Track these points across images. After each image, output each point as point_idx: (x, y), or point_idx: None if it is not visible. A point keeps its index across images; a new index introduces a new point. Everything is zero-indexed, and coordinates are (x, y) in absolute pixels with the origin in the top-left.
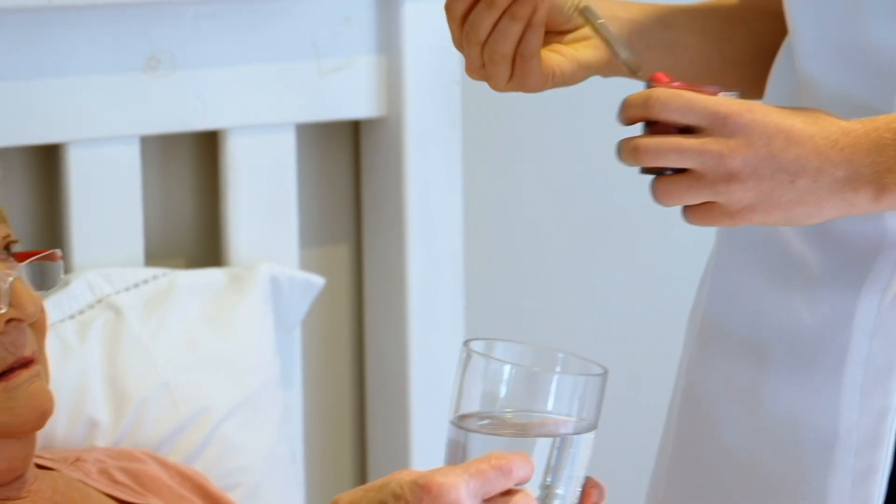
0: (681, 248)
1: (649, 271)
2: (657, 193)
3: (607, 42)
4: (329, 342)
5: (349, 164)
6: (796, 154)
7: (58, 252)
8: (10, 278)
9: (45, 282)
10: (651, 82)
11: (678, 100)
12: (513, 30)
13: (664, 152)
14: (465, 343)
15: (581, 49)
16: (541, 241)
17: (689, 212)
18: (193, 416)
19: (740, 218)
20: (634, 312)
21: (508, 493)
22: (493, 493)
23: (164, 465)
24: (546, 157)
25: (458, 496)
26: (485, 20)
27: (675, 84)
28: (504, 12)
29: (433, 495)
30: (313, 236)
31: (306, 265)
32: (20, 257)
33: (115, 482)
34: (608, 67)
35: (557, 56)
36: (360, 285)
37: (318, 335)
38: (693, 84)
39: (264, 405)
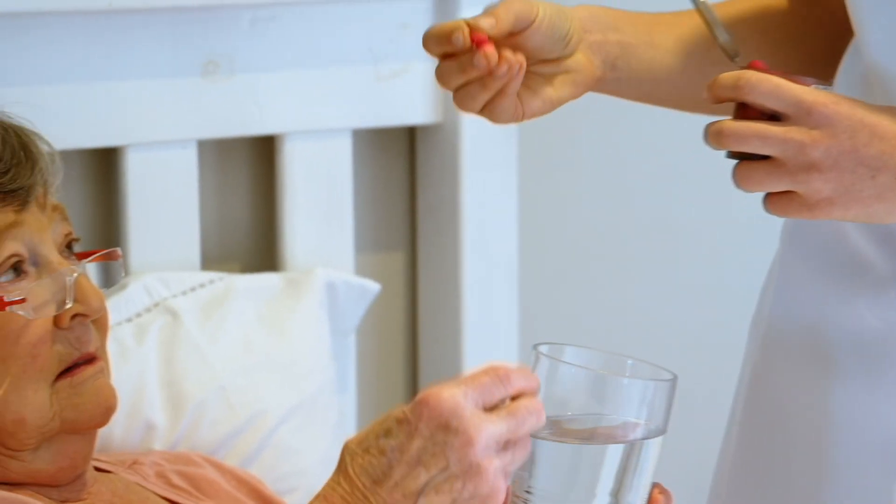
0: (741, 253)
1: (708, 278)
2: (737, 178)
3: (707, 23)
4: (383, 348)
5: (405, 170)
6: (880, 149)
7: (118, 251)
8: (75, 274)
9: (106, 280)
10: (747, 68)
11: (767, 84)
12: (487, 94)
13: (747, 137)
14: (535, 347)
15: (559, 86)
16: (596, 248)
17: (769, 201)
18: (250, 420)
19: (819, 210)
20: (692, 320)
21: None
22: (493, 402)
23: (220, 468)
24: (602, 164)
25: (457, 404)
26: (458, 80)
27: (771, 72)
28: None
29: (432, 407)
30: (368, 242)
31: (361, 271)
32: (82, 256)
33: (173, 486)
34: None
35: (530, 95)
36: (414, 292)
37: (372, 341)
38: (789, 73)
39: (320, 410)
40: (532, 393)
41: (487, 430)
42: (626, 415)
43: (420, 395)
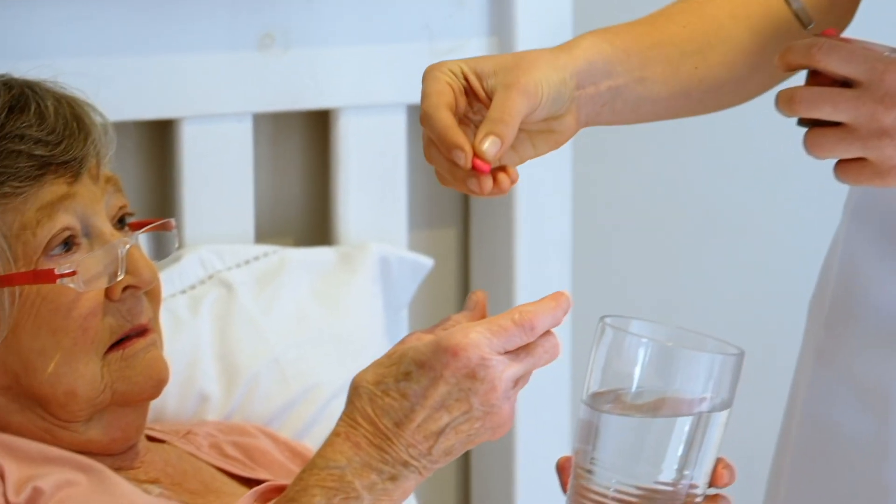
0: (800, 228)
1: (766, 254)
2: (808, 145)
3: None
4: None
5: None
6: None
7: (172, 221)
8: (127, 246)
9: (159, 251)
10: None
11: (840, 49)
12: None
13: (818, 103)
14: (602, 319)
15: (539, 143)
16: (650, 226)
17: (840, 168)
18: (304, 393)
19: (890, 177)
20: (749, 297)
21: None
22: (515, 348)
23: (274, 439)
24: (656, 141)
25: (483, 356)
26: (442, 170)
27: (844, 39)
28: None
29: (459, 358)
30: (421, 218)
31: (414, 247)
32: (135, 226)
33: (226, 456)
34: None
35: (509, 151)
36: (467, 268)
37: (424, 317)
38: (861, 41)
39: None
40: (552, 330)
41: (509, 374)
42: (693, 389)
43: (443, 343)
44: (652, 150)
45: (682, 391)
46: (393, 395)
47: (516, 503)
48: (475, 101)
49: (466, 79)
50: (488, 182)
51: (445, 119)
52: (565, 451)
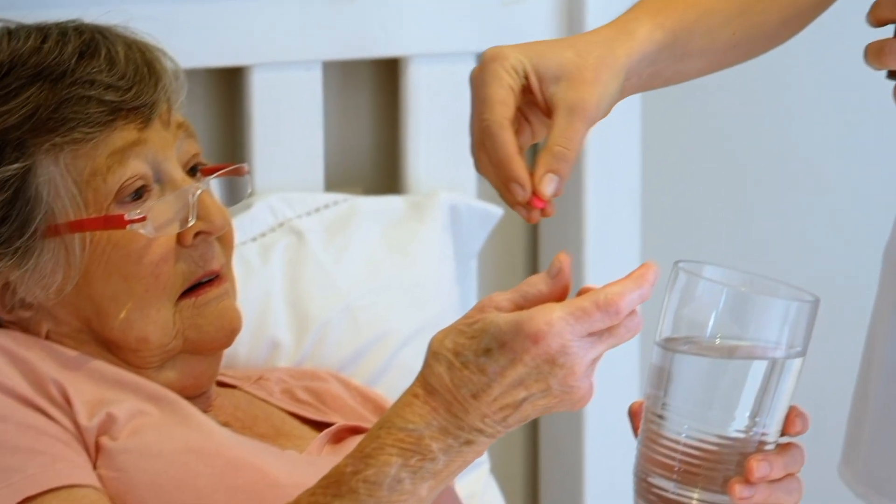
0: (873, 178)
1: (837, 206)
2: None
3: None
4: (504, 274)
5: None
6: None
7: (244, 167)
8: (198, 191)
9: (232, 197)
10: None
11: None
12: None
13: None
14: (676, 264)
15: (537, 131)
16: (720, 177)
17: None
18: (374, 340)
19: None
20: (819, 247)
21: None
22: (597, 331)
23: (346, 385)
24: (726, 92)
25: (565, 343)
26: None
27: None
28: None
29: (539, 345)
30: None
31: (483, 197)
32: (207, 172)
33: (298, 401)
34: None
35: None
36: None
37: (493, 267)
38: None
39: None
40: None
41: (589, 357)
42: (767, 336)
43: (525, 327)
44: (721, 100)
45: (756, 338)
46: (471, 369)
47: (585, 449)
48: (531, 98)
49: (527, 78)
50: (537, 214)
51: (509, 147)
52: (634, 396)
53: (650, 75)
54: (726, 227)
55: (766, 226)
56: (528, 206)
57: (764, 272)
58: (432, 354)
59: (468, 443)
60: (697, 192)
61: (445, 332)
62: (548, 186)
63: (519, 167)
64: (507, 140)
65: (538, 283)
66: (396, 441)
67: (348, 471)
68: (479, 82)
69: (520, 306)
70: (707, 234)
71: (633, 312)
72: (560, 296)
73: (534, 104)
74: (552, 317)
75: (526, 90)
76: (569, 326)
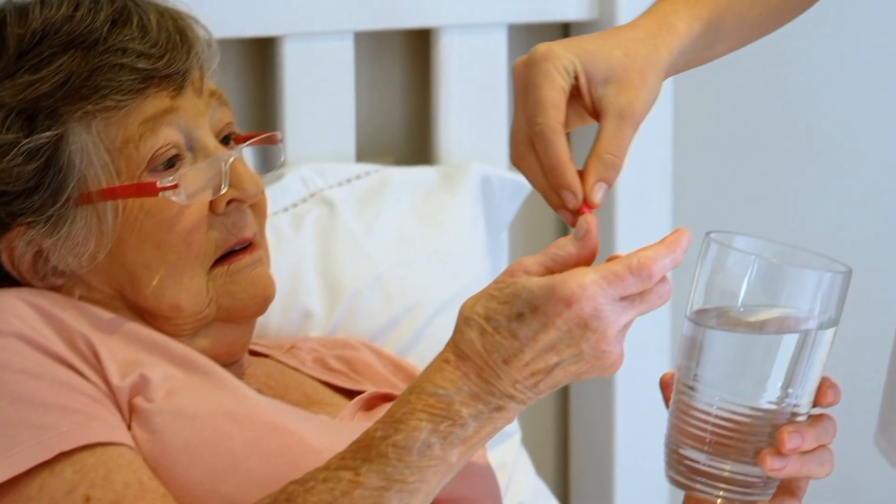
0: None
1: (868, 177)
2: None
3: None
4: (535, 246)
5: None
6: None
7: (277, 134)
8: (231, 158)
9: (265, 165)
10: None
11: None
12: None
13: None
14: (707, 234)
15: (570, 121)
16: (751, 148)
17: None
18: (406, 310)
19: None
20: (850, 219)
21: None
22: (630, 295)
23: (378, 353)
24: (757, 62)
25: (598, 307)
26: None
27: None
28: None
29: (572, 308)
30: None
31: (514, 168)
32: (240, 140)
33: (330, 369)
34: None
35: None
36: None
37: (524, 240)
38: None
39: None
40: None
41: (621, 322)
42: (799, 306)
43: (557, 291)
44: (753, 65)
45: (788, 308)
46: (503, 334)
47: (616, 420)
48: (578, 100)
49: (576, 78)
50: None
51: (563, 153)
52: (665, 367)
53: (683, 64)
54: (757, 197)
55: (797, 196)
56: (575, 212)
57: (795, 243)
58: (463, 320)
59: (498, 409)
60: (728, 163)
61: (476, 298)
62: (599, 195)
63: (572, 174)
64: (561, 146)
65: (566, 245)
66: (426, 406)
67: (378, 435)
68: (531, 82)
69: (550, 270)
70: (738, 204)
71: (664, 279)
72: (589, 257)
73: (579, 105)
74: (585, 280)
75: (573, 90)
76: (601, 290)
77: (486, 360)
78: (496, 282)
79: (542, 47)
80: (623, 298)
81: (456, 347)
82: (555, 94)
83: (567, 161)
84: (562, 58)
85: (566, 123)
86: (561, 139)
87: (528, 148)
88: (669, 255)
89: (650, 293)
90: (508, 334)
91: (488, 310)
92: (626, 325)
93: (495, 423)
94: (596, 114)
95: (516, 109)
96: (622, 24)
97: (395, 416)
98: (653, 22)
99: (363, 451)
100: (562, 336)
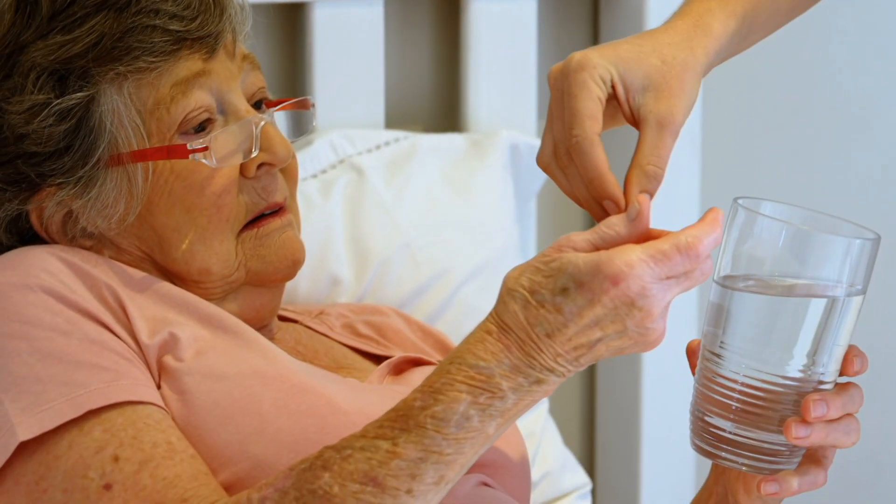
0: None
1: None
2: None
3: None
4: (562, 215)
5: (588, 34)
6: None
7: (309, 99)
8: (262, 122)
9: (296, 130)
10: None
11: None
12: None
13: None
14: (735, 200)
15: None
16: (778, 117)
17: None
18: (435, 278)
19: None
20: (874, 190)
21: None
22: (676, 275)
23: (407, 320)
24: (786, 31)
25: (644, 286)
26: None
27: None
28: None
29: (619, 286)
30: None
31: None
32: (271, 105)
33: (359, 335)
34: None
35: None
36: None
37: (551, 208)
38: None
39: (504, 270)
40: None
41: (666, 299)
42: (827, 272)
43: (605, 268)
44: (782, 34)
45: (815, 275)
46: (548, 308)
47: (642, 391)
48: (613, 104)
49: (613, 87)
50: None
51: (601, 164)
52: (692, 336)
53: (719, 61)
54: (785, 167)
55: (824, 165)
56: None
57: (823, 210)
58: (507, 291)
59: (538, 382)
60: (756, 133)
61: (521, 270)
62: (630, 213)
63: (613, 185)
64: (599, 157)
65: (616, 225)
66: (466, 378)
67: (416, 405)
68: (567, 92)
69: (597, 248)
70: (766, 174)
71: (707, 256)
72: (639, 239)
73: (613, 108)
74: (632, 258)
75: (610, 98)
76: (649, 269)
77: (528, 333)
78: (542, 255)
79: (578, 56)
80: (669, 277)
81: (498, 319)
82: (591, 105)
83: (606, 172)
84: (598, 67)
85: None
86: (598, 150)
87: (565, 158)
88: (713, 234)
89: (695, 271)
90: (553, 308)
91: (533, 283)
92: (669, 302)
93: (534, 395)
94: (635, 122)
95: (551, 116)
96: (656, 28)
97: (434, 387)
98: (688, 24)
99: (401, 421)
100: (607, 312)
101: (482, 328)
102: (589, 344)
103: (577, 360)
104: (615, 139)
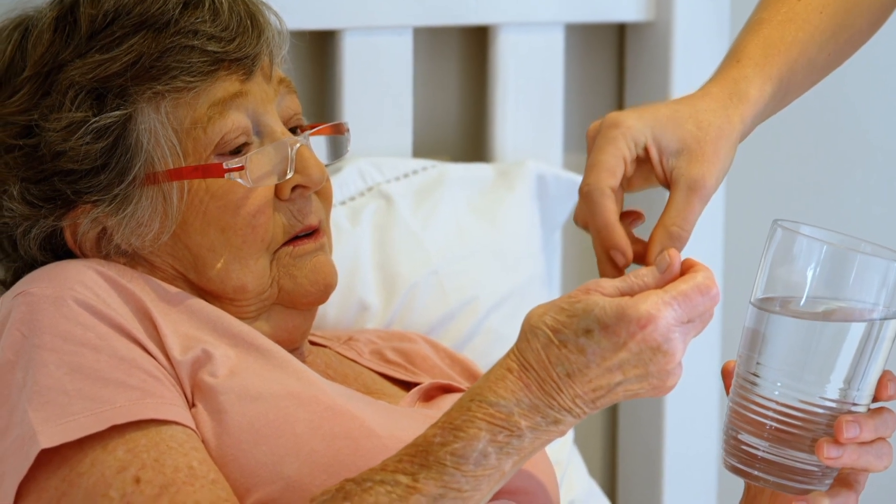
0: None
1: None
2: None
3: None
4: (588, 247)
5: (614, 66)
6: None
7: (344, 124)
8: (297, 144)
9: (331, 153)
10: None
11: None
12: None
13: None
14: (775, 222)
15: (636, 183)
16: (807, 140)
17: None
18: (462, 305)
19: None
20: None
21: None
22: (697, 316)
23: (434, 346)
24: None
25: (669, 329)
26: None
27: None
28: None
29: (646, 331)
30: (575, 139)
31: (569, 167)
32: (306, 129)
33: (387, 361)
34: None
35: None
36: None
37: (578, 240)
38: None
39: (531, 299)
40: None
41: (687, 342)
42: (865, 295)
43: (631, 312)
44: None
45: (852, 299)
46: (570, 348)
47: (665, 424)
48: (647, 166)
49: (646, 150)
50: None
51: (609, 214)
52: (713, 363)
53: (756, 125)
54: (812, 191)
55: (848, 191)
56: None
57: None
58: (529, 329)
59: (556, 422)
60: (782, 157)
61: (545, 308)
62: (660, 265)
63: (619, 236)
64: (608, 207)
65: (646, 276)
66: (486, 416)
67: (436, 441)
68: (595, 146)
69: (624, 295)
70: (793, 197)
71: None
72: None
73: (647, 170)
74: (657, 301)
75: (642, 159)
76: (672, 311)
77: (549, 373)
78: (569, 296)
79: (614, 115)
80: (690, 319)
81: (520, 356)
82: (612, 160)
83: (613, 222)
84: (633, 128)
85: (632, 185)
86: (607, 201)
87: (581, 205)
88: (711, 273)
89: (708, 311)
90: (576, 349)
91: (556, 322)
92: (687, 345)
93: (550, 435)
94: (668, 183)
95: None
96: (693, 93)
97: (454, 423)
98: (724, 91)
99: (421, 456)
100: (630, 357)
101: (503, 365)
102: (608, 387)
103: (594, 403)
104: (647, 200)
